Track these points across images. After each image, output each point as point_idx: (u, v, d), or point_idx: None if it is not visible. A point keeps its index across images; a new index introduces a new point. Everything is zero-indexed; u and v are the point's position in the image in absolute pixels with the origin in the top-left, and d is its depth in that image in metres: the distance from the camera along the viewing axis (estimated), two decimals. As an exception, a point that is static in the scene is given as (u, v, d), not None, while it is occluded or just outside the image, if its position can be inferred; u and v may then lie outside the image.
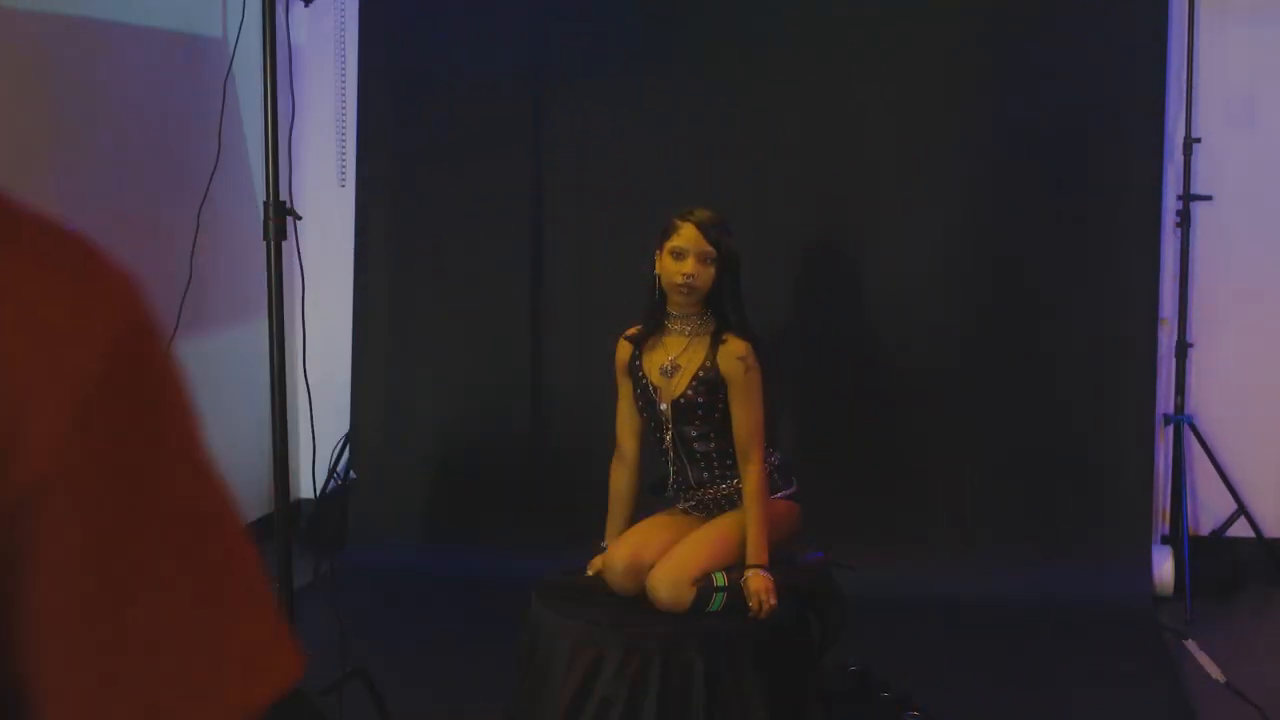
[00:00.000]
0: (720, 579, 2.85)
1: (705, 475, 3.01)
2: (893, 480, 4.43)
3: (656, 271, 2.96)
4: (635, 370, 3.02)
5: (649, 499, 3.15)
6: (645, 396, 3.01)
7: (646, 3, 4.56)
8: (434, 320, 4.73)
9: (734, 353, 2.92)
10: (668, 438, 3.00)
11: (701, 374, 2.93)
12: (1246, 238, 4.52)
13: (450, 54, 4.67)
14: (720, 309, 2.95)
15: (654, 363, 2.99)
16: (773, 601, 2.80)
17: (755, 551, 2.86)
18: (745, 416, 2.93)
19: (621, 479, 3.09)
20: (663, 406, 2.98)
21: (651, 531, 2.98)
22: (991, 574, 4.24)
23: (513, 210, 4.65)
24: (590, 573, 3.01)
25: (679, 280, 2.90)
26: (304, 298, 3.28)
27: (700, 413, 2.95)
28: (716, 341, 2.94)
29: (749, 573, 2.84)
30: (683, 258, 2.90)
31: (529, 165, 4.63)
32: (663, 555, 2.89)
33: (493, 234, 4.67)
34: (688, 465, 3.01)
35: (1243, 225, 4.51)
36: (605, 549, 3.00)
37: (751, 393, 2.93)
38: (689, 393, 2.94)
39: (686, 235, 2.91)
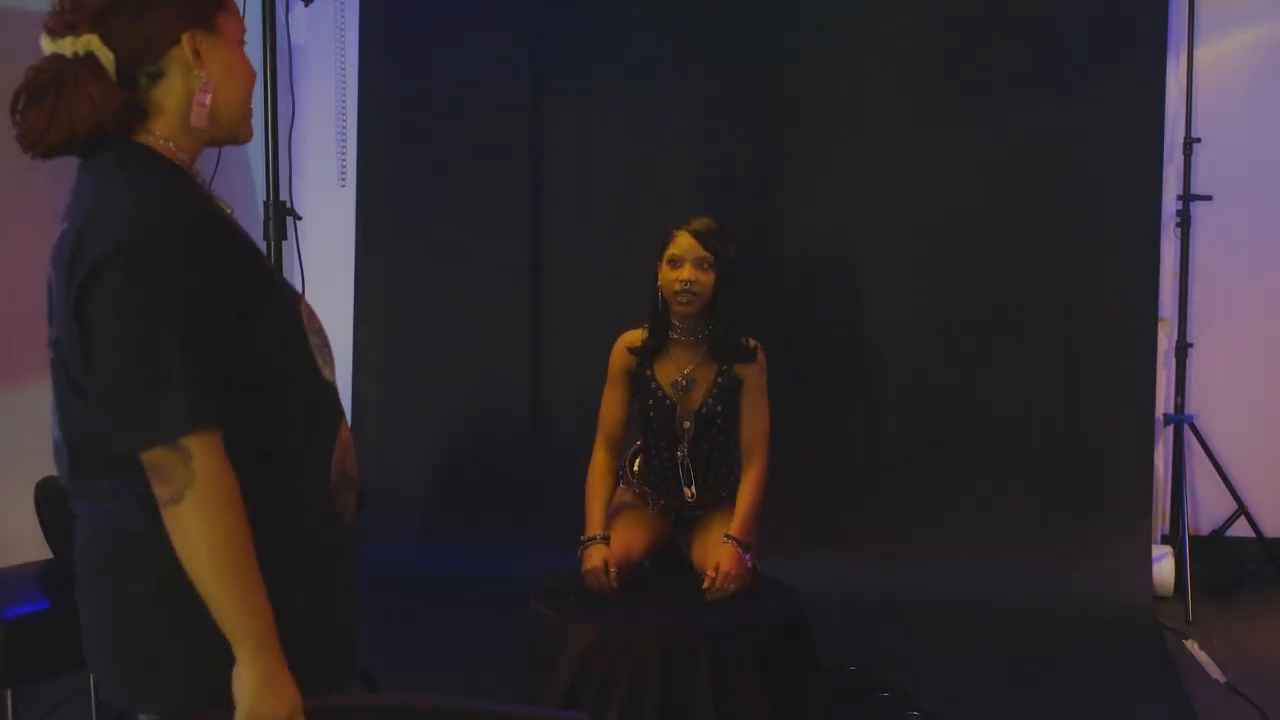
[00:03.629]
0: None
1: (701, 482, 3.04)
2: (893, 481, 4.43)
3: (659, 283, 2.97)
4: (646, 382, 3.01)
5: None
6: (659, 409, 3.02)
7: (647, 3, 4.56)
8: (434, 320, 4.73)
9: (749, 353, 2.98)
10: (681, 451, 3.02)
11: (720, 380, 2.97)
12: (1246, 238, 4.52)
13: (450, 54, 4.67)
14: (723, 316, 2.96)
15: (666, 377, 3.00)
16: (732, 588, 2.85)
17: (740, 525, 2.92)
18: (756, 417, 2.98)
19: (611, 464, 3.05)
20: (687, 424, 3.00)
21: (634, 531, 3.01)
22: (992, 574, 4.24)
23: (513, 210, 4.65)
24: (588, 566, 2.95)
25: (678, 287, 2.91)
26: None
27: (719, 421, 2.99)
28: (728, 346, 2.96)
29: (726, 544, 2.89)
30: (680, 265, 2.92)
31: (529, 165, 4.63)
32: (647, 553, 3.01)
33: (493, 234, 4.67)
34: (694, 475, 3.04)
35: (1243, 225, 4.51)
36: (597, 540, 2.95)
37: (763, 393, 2.99)
38: (709, 402, 2.98)
39: (682, 243, 2.93)
